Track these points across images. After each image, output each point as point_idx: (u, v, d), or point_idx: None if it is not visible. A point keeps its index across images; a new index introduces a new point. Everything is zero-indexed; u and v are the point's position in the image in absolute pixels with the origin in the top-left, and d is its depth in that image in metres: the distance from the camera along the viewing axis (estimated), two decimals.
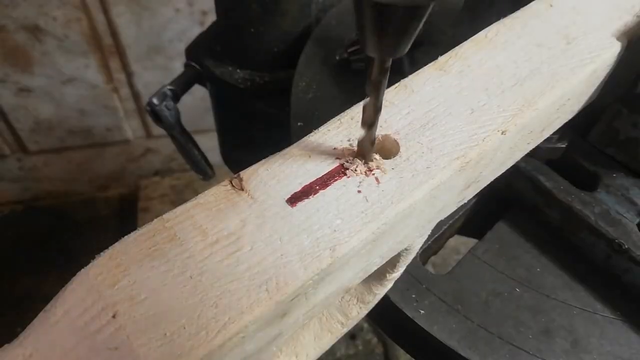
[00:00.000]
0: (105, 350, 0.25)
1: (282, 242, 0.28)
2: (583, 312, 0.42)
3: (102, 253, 0.27)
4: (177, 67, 1.36)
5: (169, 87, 0.75)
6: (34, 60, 1.30)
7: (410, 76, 0.37)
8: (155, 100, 0.73)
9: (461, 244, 0.71)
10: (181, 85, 0.77)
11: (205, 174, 0.84)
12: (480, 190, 0.40)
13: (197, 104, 1.34)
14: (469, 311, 0.42)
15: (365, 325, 1.39)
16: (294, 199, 0.30)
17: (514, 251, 0.46)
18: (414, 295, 0.42)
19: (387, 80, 0.29)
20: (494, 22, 0.42)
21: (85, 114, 1.47)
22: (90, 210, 1.71)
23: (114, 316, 0.25)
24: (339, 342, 0.42)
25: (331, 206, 0.29)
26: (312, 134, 0.33)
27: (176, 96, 0.76)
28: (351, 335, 1.36)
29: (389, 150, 0.33)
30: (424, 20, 0.25)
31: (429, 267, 0.45)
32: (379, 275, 0.39)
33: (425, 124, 0.34)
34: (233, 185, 0.30)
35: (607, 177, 0.47)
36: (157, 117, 0.74)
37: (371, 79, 0.28)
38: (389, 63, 0.28)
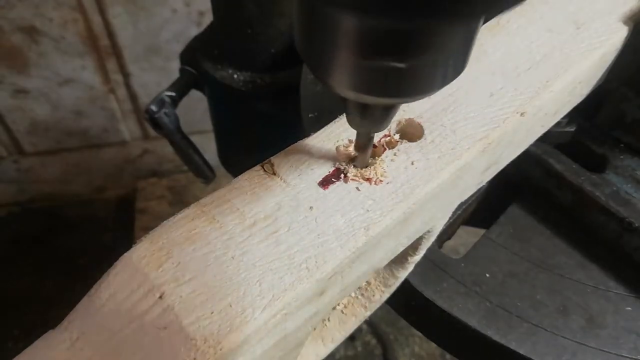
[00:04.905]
0: (154, 330, 0.25)
1: (318, 223, 0.29)
2: (597, 290, 0.43)
3: (142, 238, 0.28)
4: (175, 68, 1.34)
5: (166, 93, 0.74)
6: (30, 62, 1.29)
7: None
8: (153, 108, 0.72)
9: (460, 244, 0.72)
10: (179, 91, 0.76)
11: (207, 178, 0.84)
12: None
13: (194, 104, 1.34)
14: (487, 292, 0.43)
15: (365, 326, 1.40)
16: (325, 182, 0.30)
17: (528, 233, 0.47)
18: (433, 278, 0.43)
19: (372, 142, 0.31)
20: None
21: (82, 115, 1.46)
22: (88, 211, 1.70)
23: (160, 297, 0.26)
24: None
25: (362, 187, 0.30)
26: (337, 120, 0.34)
27: (174, 102, 0.75)
28: (350, 337, 1.37)
29: (414, 134, 0.33)
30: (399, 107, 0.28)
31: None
32: (400, 258, 0.40)
33: (446, 107, 0.35)
34: (265, 170, 0.31)
35: (615, 159, 0.48)
36: (157, 125, 0.73)
37: (358, 145, 0.31)
38: (374, 134, 0.30)
